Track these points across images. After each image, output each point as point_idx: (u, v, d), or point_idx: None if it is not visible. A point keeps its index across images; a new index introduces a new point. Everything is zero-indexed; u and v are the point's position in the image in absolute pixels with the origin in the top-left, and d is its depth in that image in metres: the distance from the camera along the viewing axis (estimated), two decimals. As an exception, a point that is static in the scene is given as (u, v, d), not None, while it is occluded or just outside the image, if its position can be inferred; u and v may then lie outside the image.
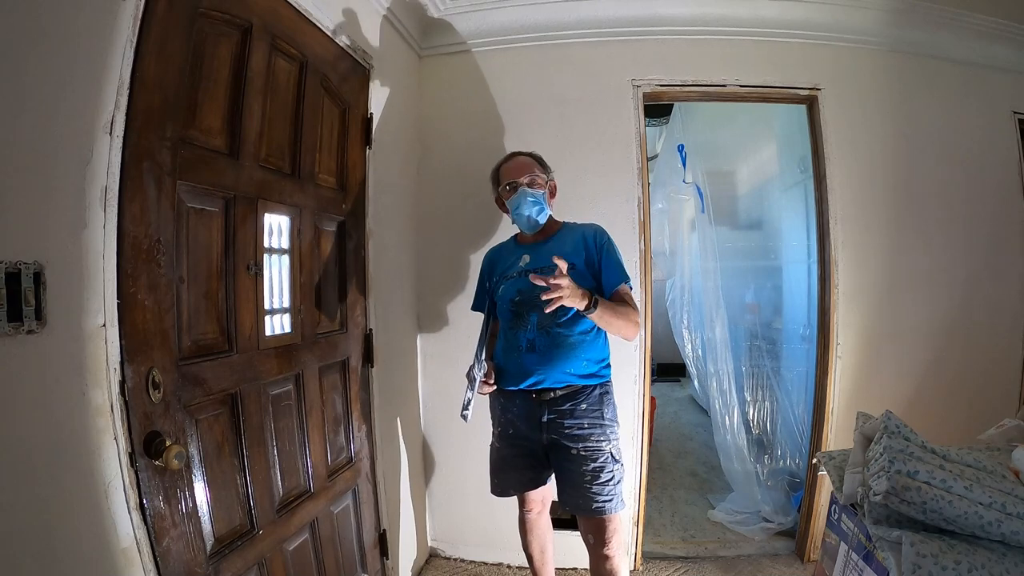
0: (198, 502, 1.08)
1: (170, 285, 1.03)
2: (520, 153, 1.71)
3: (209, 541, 1.11)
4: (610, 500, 1.50)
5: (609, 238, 1.62)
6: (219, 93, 1.18)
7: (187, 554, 1.03)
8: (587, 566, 1.63)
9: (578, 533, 1.61)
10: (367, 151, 1.80)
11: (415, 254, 2.24)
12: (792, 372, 2.71)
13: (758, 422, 2.85)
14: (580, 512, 1.53)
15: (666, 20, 2.14)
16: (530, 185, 1.61)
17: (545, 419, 1.54)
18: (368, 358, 1.80)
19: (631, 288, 1.59)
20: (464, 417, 1.60)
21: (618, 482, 1.53)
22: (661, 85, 2.18)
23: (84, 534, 0.85)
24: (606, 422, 1.55)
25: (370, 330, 1.81)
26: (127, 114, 0.92)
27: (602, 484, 1.50)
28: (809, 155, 2.27)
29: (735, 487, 2.69)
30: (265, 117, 1.32)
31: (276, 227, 1.39)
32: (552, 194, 1.71)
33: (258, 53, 1.27)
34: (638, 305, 1.57)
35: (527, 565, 1.86)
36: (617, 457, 1.54)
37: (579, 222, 1.72)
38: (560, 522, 1.96)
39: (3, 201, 0.75)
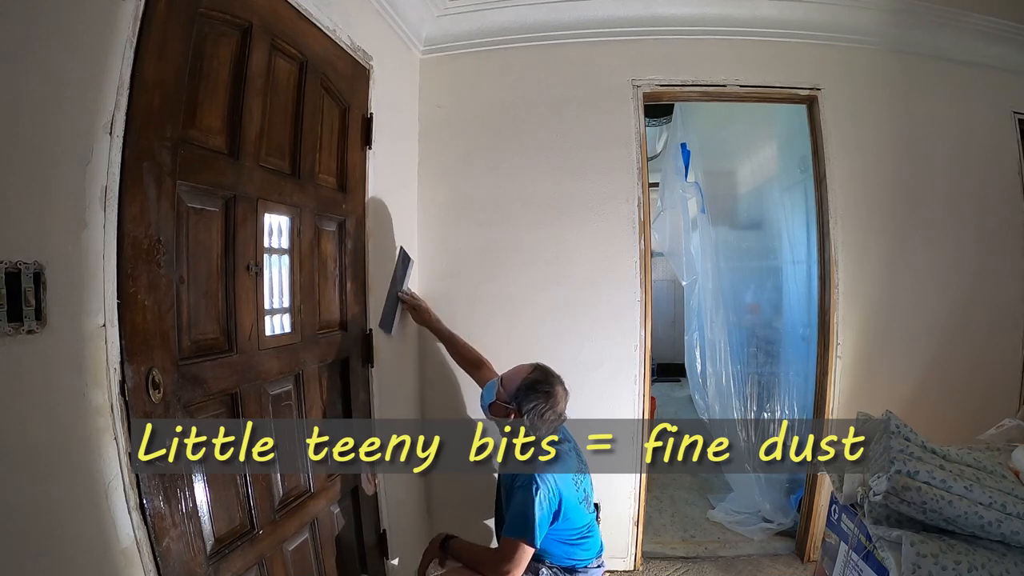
0: (198, 502, 1.08)
1: (170, 285, 1.03)
2: (531, 368, 1.62)
3: (209, 541, 1.11)
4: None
5: (527, 484, 1.46)
6: (219, 93, 1.18)
7: (187, 554, 1.03)
8: None
9: None
10: (367, 151, 1.80)
11: (415, 254, 2.24)
12: (792, 372, 2.71)
13: (758, 422, 2.84)
14: None
15: (666, 20, 2.14)
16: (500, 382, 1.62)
17: None
18: (368, 358, 1.79)
19: (522, 543, 1.43)
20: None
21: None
22: (661, 85, 2.18)
23: (84, 534, 0.85)
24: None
25: (370, 330, 1.81)
26: (127, 114, 0.92)
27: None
28: (809, 155, 2.27)
29: (735, 487, 2.69)
30: (265, 117, 1.32)
31: (276, 227, 1.38)
32: (498, 413, 1.60)
33: (258, 53, 1.27)
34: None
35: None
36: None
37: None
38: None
39: (3, 201, 0.75)
